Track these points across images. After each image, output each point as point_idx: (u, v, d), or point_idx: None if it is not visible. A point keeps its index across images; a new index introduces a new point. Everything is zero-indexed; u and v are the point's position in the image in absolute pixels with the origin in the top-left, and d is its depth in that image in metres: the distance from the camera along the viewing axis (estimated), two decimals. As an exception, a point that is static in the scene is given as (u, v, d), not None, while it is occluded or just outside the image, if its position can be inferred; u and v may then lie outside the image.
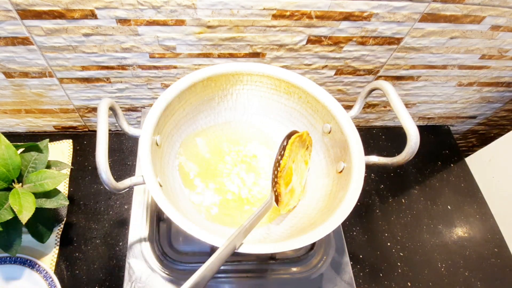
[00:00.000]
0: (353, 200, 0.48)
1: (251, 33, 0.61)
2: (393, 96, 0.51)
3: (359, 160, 0.52)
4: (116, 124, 0.80)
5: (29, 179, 0.55)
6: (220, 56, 0.66)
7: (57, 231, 0.67)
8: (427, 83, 0.79)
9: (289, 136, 0.54)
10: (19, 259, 0.62)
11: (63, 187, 0.73)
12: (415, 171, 0.85)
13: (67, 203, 0.58)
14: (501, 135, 0.82)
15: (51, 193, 0.57)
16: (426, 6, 0.59)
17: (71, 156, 0.77)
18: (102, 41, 0.60)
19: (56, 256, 0.65)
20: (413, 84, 0.79)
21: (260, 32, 0.61)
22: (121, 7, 0.54)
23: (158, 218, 0.64)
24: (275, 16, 0.59)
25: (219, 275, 0.60)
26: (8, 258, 0.62)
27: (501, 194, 0.80)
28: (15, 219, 0.51)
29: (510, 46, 0.70)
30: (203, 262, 0.59)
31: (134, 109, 0.79)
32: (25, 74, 0.65)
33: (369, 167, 0.65)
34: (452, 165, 0.88)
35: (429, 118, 0.93)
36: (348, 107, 0.57)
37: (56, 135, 0.80)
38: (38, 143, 0.59)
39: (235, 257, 0.61)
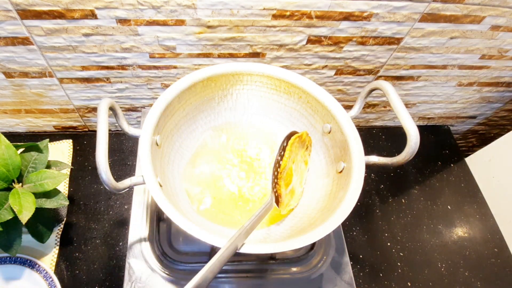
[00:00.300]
0: (353, 200, 0.48)
1: (251, 33, 0.61)
2: (393, 96, 0.51)
3: (359, 160, 0.52)
4: (116, 124, 0.80)
5: (29, 179, 0.55)
6: (220, 56, 0.66)
7: (57, 231, 0.67)
8: (427, 83, 0.79)
9: (288, 137, 0.54)
10: (19, 259, 0.62)
11: (63, 187, 0.73)
12: (415, 171, 0.85)
13: (67, 203, 0.58)
14: (501, 135, 0.82)
15: (51, 193, 0.57)
16: (426, 6, 0.59)
17: (71, 156, 0.77)
18: (102, 41, 0.60)
19: (56, 256, 0.65)
20: (413, 84, 0.79)
21: (260, 32, 0.61)
22: (121, 7, 0.54)
23: (158, 218, 0.64)
24: (275, 16, 0.59)
25: (219, 275, 0.60)
26: (8, 258, 0.62)
27: (501, 194, 0.80)
28: (15, 219, 0.51)
29: (510, 46, 0.70)
30: (203, 262, 0.60)
31: (134, 109, 0.79)
32: (25, 74, 0.65)
33: (369, 167, 0.65)
34: (452, 165, 0.88)
35: (429, 118, 0.93)
36: (348, 107, 0.57)
37: (56, 135, 0.80)
38: (38, 143, 0.59)
39: (235, 257, 0.61)
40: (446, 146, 0.91)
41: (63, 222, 0.68)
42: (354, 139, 0.54)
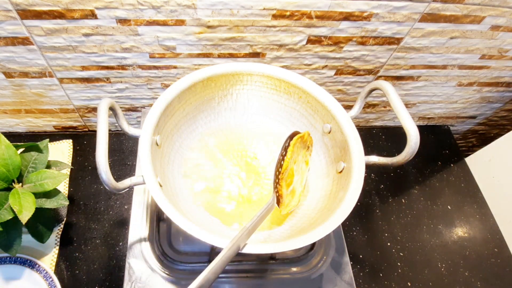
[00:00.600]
0: (353, 200, 0.48)
1: (251, 33, 0.61)
2: (393, 96, 0.51)
3: (359, 160, 0.52)
4: (116, 124, 0.80)
5: (29, 179, 0.55)
6: (220, 56, 0.66)
7: (57, 231, 0.67)
8: (427, 83, 0.79)
9: (291, 137, 0.54)
10: (19, 259, 0.62)
11: (63, 187, 0.73)
12: (415, 171, 0.85)
13: (67, 203, 0.58)
14: (501, 135, 0.82)
15: (51, 193, 0.57)
16: (426, 6, 0.59)
17: (71, 156, 0.77)
18: (102, 41, 0.60)
19: (56, 256, 0.65)
20: (413, 84, 0.79)
21: (260, 32, 0.61)
22: (121, 7, 0.54)
23: (158, 218, 0.64)
24: (275, 16, 0.59)
25: (219, 275, 0.60)
26: (8, 258, 0.62)
27: (501, 194, 0.80)
28: (15, 219, 0.51)
29: (510, 46, 0.70)
30: (203, 262, 0.60)
31: (134, 109, 0.79)
32: (25, 74, 0.65)
33: (369, 167, 0.65)
34: (452, 165, 0.88)
35: (429, 118, 0.93)
36: (348, 107, 0.57)
37: (56, 135, 0.80)
38: (38, 143, 0.59)
39: (236, 257, 0.61)
40: (446, 146, 0.91)
41: (63, 222, 0.68)
42: (354, 139, 0.54)
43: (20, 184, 0.56)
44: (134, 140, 0.80)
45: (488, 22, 0.63)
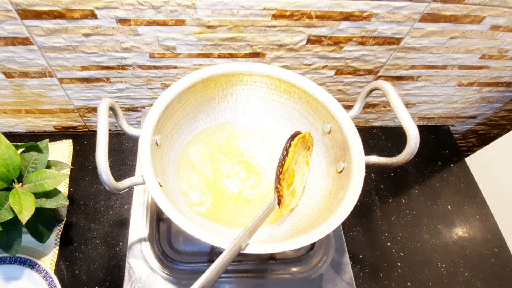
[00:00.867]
0: (353, 200, 0.48)
1: (251, 33, 0.61)
2: (393, 96, 0.51)
3: (359, 160, 0.52)
4: (116, 124, 0.80)
5: (29, 179, 0.55)
6: (220, 56, 0.66)
7: (57, 231, 0.67)
8: (427, 83, 0.79)
9: (292, 137, 0.54)
10: (19, 259, 0.62)
11: (63, 187, 0.73)
12: (415, 171, 0.85)
13: (67, 203, 0.58)
14: (501, 135, 0.82)
15: (51, 193, 0.57)
16: (426, 6, 0.59)
17: (71, 156, 0.77)
18: (102, 41, 0.60)
19: (56, 256, 0.65)
20: (413, 84, 0.79)
21: (260, 32, 0.61)
22: (121, 7, 0.54)
23: (158, 218, 0.64)
24: (275, 16, 0.59)
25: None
26: (8, 258, 0.62)
27: (501, 194, 0.80)
28: (15, 219, 0.51)
29: (510, 46, 0.70)
30: (203, 262, 0.60)
31: (134, 109, 0.79)
32: (25, 74, 0.65)
33: (369, 167, 0.65)
34: (452, 165, 0.88)
35: (429, 118, 0.93)
36: (348, 107, 0.57)
37: (56, 135, 0.80)
38: (38, 143, 0.59)
39: (236, 257, 0.61)
40: (446, 146, 0.91)
41: (63, 222, 0.68)
42: (354, 139, 0.54)
43: (20, 184, 0.56)
44: (134, 140, 0.80)
45: (488, 22, 0.63)
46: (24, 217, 0.49)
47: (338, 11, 0.59)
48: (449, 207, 0.81)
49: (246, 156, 0.63)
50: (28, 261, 0.62)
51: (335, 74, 0.73)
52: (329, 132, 0.58)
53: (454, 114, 0.92)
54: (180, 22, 0.58)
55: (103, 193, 0.73)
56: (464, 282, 0.71)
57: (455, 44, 0.68)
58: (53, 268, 0.63)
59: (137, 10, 0.55)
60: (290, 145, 0.53)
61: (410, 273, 0.71)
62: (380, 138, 0.90)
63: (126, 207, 0.72)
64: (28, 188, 0.54)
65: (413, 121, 0.48)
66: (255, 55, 0.66)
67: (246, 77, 0.61)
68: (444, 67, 0.74)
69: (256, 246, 0.44)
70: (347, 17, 0.60)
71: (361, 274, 0.69)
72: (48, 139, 0.61)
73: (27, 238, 0.58)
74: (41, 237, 0.59)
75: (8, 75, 0.65)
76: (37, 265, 0.62)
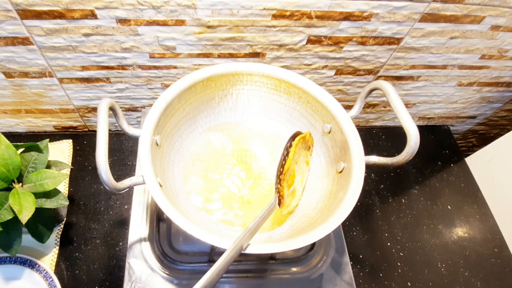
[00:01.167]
0: (353, 200, 0.48)
1: (251, 33, 0.61)
2: (393, 96, 0.51)
3: (359, 160, 0.52)
4: (116, 124, 0.80)
5: (29, 179, 0.55)
6: (220, 56, 0.66)
7: (57, 231, 0.67)
8: (427, 83, 0.79)
9: (293, 137, 0.53)
10: (19, 259, 0.62)
11: (63, 187, 0.73)
12: (415, 171, 0.85)
13: (67, 203, 0.58)
14: (501, 135, 0.82)
15: (51, 193, 0.57)
16: (426, 6, 0.59)
17: (71, 156, 0.77)
18: (102, 41, 0.60)
19: (56, 256, 0.65)
20: (413, 84, 0.79)
21: (260, 32, 0.61)
22: (121, 7, 0.54)
23: (158, 218, 0.64)
24: (275, 16, 0.59)
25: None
26: (8, 258, 0.62)
27: (501, 194, 0.80)
28: (15, 219, 0.51)
29: (510, 46, 0.70)
30: (203, 262, 0.60)
31: (134, 109, 0.79)
32: (25, 74, 0.65)
33: (369, 167, 0.65)
34: (452, 165, 0.88)
35: (429, 118, 0.93)
36: (348, 107, 0.57)
37: (56, 135, 0.80)
38: (38, 143, 0.59)
39: (236, 257, 0.61)
40: (446, 146, 0.91)
41: (63, 222, 0.68)
42: (354, 139, 0.54)
43: (20, 184, 0.56)
44: (134, 140, 0.80)
45: (488, 22, 0.63)
46: (24, 217, 0.49)
47: (338, 11, 0.59)
48: (449, 207, 0.81)
49: (246, 156, 0.63)
50: (28, 261, 0.62)
51: (335, 74, 0.73)
52: (329, 132, 0.58)
53: (454, 114, 0.92)
54: (180, 22, 0.58)
55: (103, 193, 0.73)
56: (464, 282, 0.71)
57: (455, 44, 0.68)
58: (53, 268, 0.63)
59: (137, 10, 0.55)
60: (291, 145, 0.53)
61: (410, 273, 0.71)
62: (380, 138, 0.90)
63: (126, 207, 0.72)
64: (28, 188, 0.54)
65: (413, 121, 0.48)
66: (255, 55, 0.66)
67: (246, 77, 0.61)
68: (444, 67, 0.74)
69: (257, 246, 0.44)
70: (347, 17, 0.60)
71: (361, 274, 0.69)
72: (48, 139, 0.61)
73: (27, 238, 0.58)
74: (41, 237, 0.59)
75: (8, 75, 0.65)
76: (37, 265, 0.62)
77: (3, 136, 0.54)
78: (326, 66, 0.71)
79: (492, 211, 0.81)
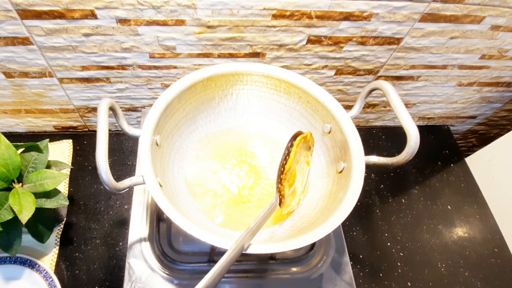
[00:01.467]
0: (353, 200, 0.48)
1: (251, 33, 0.61)
2: (393, 96, 0.51)
3: (359, 160, 0.52)
4: (116, 124, 0.80)
5: (29, 179, 0.55)
6: (220, 56, 0.66)
7: (57, 231, 0.67)
8: (427, 83, 0.79)
9: (294, 137, 0.53)
10: (19, 259, 0.62)
11: (63, 187, 0.73)
12: (415, 171, 0.85)
13: (67, 203, 0.58)
14: (501, 135, 0.82)
15: (51, 193, 0.57)
16: (426, 6, 0.59)
17: (71, 156, 0.77)
18: (102, 41, 0.60)
19: (56, 256, 0.65)
20: (413, 84, 0.79)
21: (260, 32, 0.61)
22: (121, 7, 0.54)
23: (158, 218, 0.64)
24: (275, 16, 0.59)
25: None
26: (8, 258, 0.62)
27: (501, 194, 0.80)
28: (15, 219, 0.51)
29: (510, 46, 0.70)
30: (203, 262, 0.60)
31: (134, 109, 0.79)
32: (25, 74, 0.65)
33: (369, 167, 0.65)
34: (452, 165, 0.88)
35: (429, 118, 0.93)
36: (348, 107, 0.57)
37: (56, 135, 0.80)
38: (38, 143, 0.59)
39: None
40: (446, 146, 0.91)
41: (63, 222, 0.68)
42: (354, 139, 0.54)
43: (20, 184, 0.56)
44: (134, 140, 0.80)
45: (488, 22, 0.63)
46: (24, 217, 0.49)
47: (338, 11, 0.59)
48: (449, 207, 0.81)
49: (246, 156, 0.63)
50: (28, 261, 0.62)
51: (335, 74, 0.73)
52: (329, 132, 0.58)
53: (454, 114, 0.92)
54: (180, 22, 0.58)
55: (103, 193, 0.73)
56: (464, 282, 0.71)
57: (455, 44, 0.68)
58: (53, 268, 0.63)
59: (137, 10, 0.55)
60: (292, 145, 0.53)
61: (410, 273, 0.71)
62: (380, 138, 0.90)
63: (126, 207, 0.72)
64: (28, 188, 0.54)
65: (413, 121, 0.48)
66: (255, 55, 0.66)
67: (246, 77, 0.61)
68: (444, 67, 0.74)
69: (258, 246, 0.44)
70: (347, 17, 0.60)
71: (361, 274, 0.69)
72: (48, 139, 0.61)
73: (27, 238, 0.58)
74: (41, 237, 0.59)
75: (8, 75, 0.65)
76: (37, 265, 0.62)
77: (3, 136, 0.54)
78: (326, 66, 0.71)
79: (492, 211, 0.81)
